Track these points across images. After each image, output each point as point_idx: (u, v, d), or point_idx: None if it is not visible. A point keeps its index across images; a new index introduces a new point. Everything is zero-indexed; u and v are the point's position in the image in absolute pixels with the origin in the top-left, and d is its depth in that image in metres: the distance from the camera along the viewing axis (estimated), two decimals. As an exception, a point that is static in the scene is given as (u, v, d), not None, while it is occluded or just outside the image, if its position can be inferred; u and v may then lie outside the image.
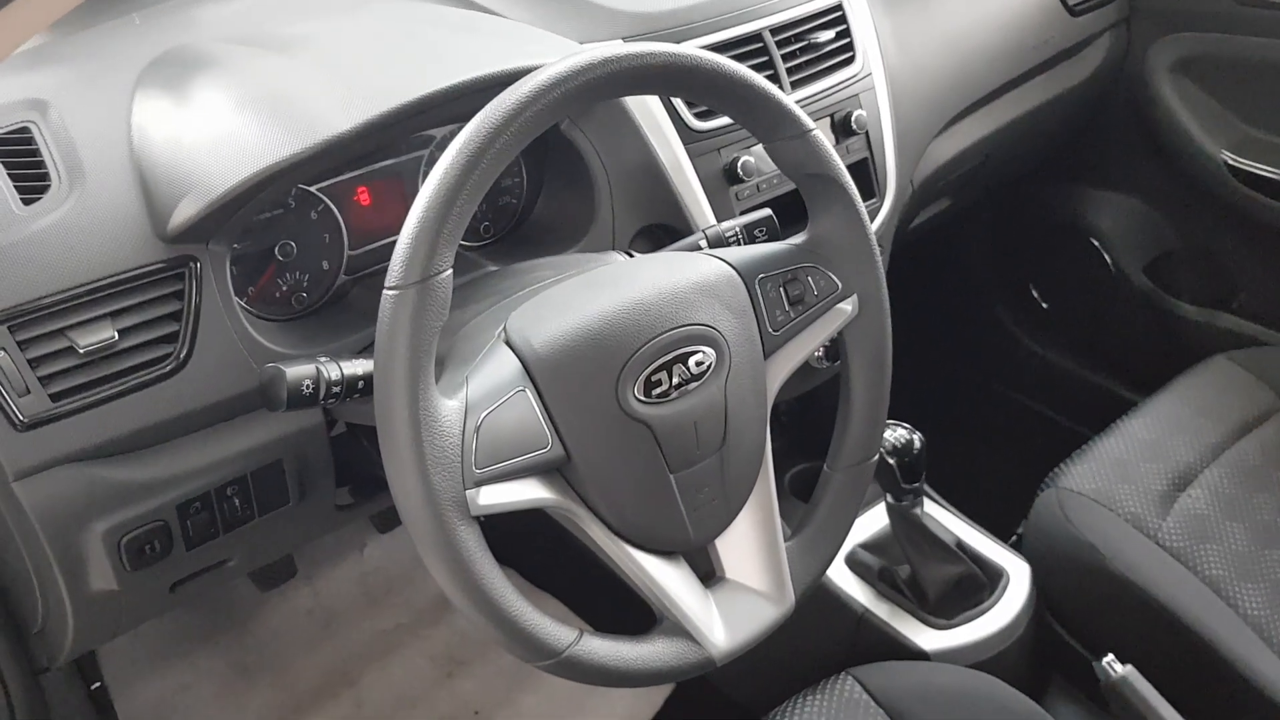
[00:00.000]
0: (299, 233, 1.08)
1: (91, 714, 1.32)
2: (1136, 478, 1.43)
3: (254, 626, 1.87)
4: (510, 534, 0.89)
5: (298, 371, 0.84)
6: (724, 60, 0.88)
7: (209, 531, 1.00)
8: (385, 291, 0.76)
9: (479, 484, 0.78)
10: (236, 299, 0.97)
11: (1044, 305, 2.25)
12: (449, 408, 0.78)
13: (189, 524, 0.98)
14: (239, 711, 1.76)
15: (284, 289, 1.09)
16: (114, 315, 0.90)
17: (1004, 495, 1.64)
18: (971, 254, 2.33)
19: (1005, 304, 2.31)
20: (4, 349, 0.85)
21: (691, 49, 0.87)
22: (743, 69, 0.89)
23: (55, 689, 1.18)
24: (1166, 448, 1.48)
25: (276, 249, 1.07)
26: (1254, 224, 1.85)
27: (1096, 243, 2.08)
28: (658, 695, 1.79)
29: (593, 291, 0.88)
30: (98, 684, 1.36)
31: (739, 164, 1.27)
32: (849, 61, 1.43)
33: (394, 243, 0.77)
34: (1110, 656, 1.15)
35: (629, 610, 1.04)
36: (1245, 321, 1.95)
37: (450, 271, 0.77)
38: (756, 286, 0.93)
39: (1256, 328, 1.93)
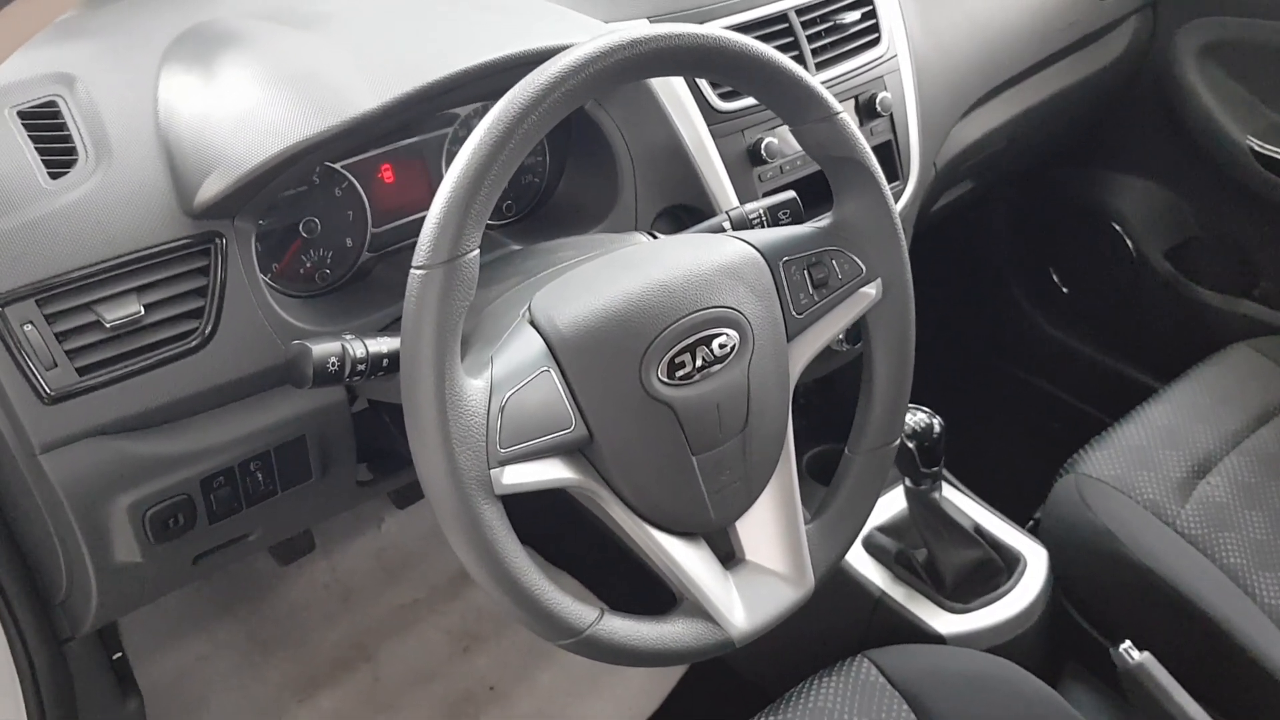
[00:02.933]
0: (323, 210, 1.09)
1: (113, 683, 1.33)
2: (1156, 465, 1.42)
3: (272, 600, 1.88)
4: (529, 511, 0.90)
5: (323, 349, 0.84)
6: (751, 41, 0.87)
7: (232, 506, 1.01)
8: (413, 271, 0.76)
9: (503, 463, 0.78)
10: (261, 275, 0.97)
11: (1064, 290, 2.23)
12: (474, 387, 0.78)
13: (212, 498, 0.99)
14: (257, 683, 1.78)
15: (308, 265, 1.10)
16: (140, 290, 0.90)
17: (1022, 481, 1.64)
18: (992, 238, 2.32)
19: (1025, 288, 2.30)
20: (32, 322, 0.86)
21: (718, 30, 0.86)
22: (769, 50, 0.88)
23: (78, 659, 1.19)
24: (1186, 435, 1.47)
25: (301, 226, 1.07)
26: (1278, 211, 1.84)
27: (1118, 227, 2.07)
28: (673, 674, 1.79)
29: (617, 272, 0.88)
30: (119, 654, 1.37)
31: (763, 145, 1.27)
32: (874, 43, 1.42)
33: (417, 220, 0.77)
34: (1127, 643, 1.15)
35: (646, 590, 1.05)
36: (1267, 309, 1.94)
37: (477, 252, 0.77)
38: (780, 269, 0.93)
39: (1278, 316, 1.92)
